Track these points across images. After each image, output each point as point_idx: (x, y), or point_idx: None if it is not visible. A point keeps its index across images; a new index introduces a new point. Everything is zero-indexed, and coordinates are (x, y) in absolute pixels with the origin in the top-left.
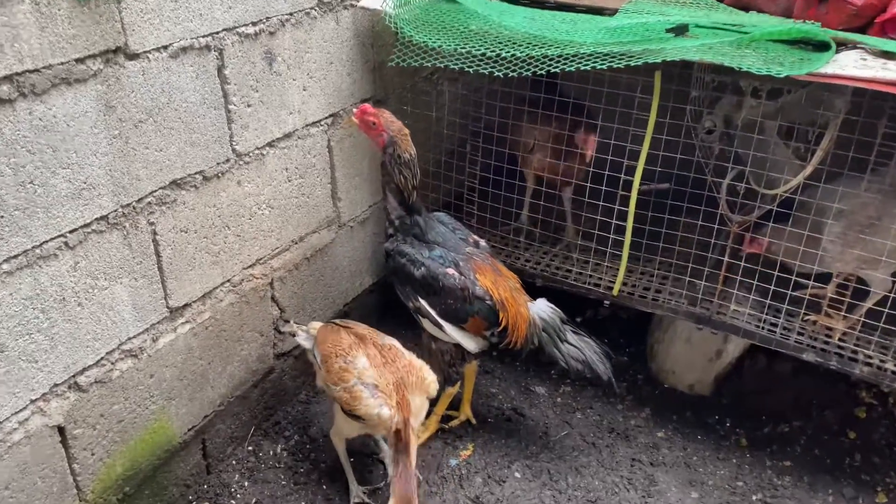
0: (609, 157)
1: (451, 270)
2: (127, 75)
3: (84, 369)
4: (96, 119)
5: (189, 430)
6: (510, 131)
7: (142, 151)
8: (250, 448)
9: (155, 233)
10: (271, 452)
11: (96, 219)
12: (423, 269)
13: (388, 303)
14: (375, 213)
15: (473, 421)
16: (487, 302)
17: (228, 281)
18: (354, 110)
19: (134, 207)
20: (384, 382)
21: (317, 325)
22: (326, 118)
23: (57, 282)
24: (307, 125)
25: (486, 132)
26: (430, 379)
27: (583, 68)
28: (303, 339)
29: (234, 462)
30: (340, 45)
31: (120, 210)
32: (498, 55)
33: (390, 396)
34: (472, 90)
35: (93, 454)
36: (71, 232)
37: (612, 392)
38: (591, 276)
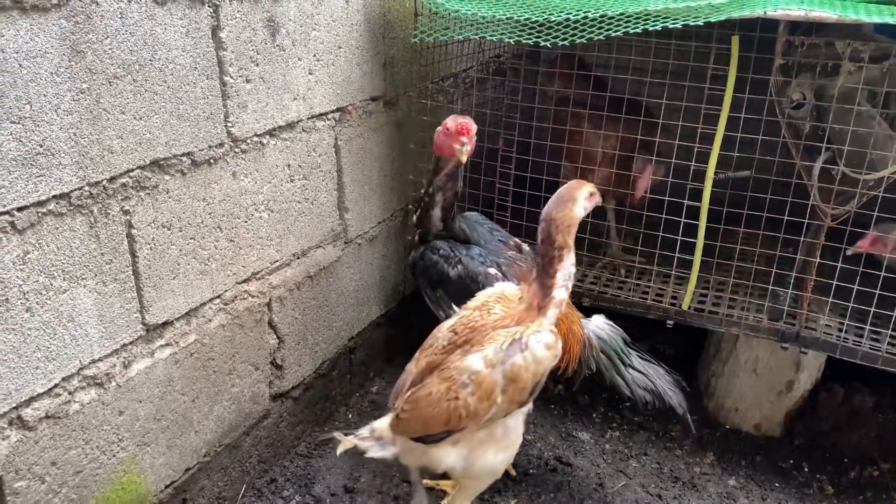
0: (675, 142)
1: (493, 270)
2: (100, 15)
3: (31, 399)
4: (59, 64)
5: (167, 486)
6: (565, 140)
7: (116, 116)
8: None
9: (130, 224)
10: None
11: (55, 196)
12: (459, 267)
13: (397, 339)
14: (385, 232)
15: (513, 473)
16: None
17: (219, 297)
18: (465, 142)
19: (105, 188)
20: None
21: (380, 423)
22: (334, 112)
23: None
24: (313, 116)
25: (522, 139)
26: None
27: (651, 28)
28: (378, 451)
29: None
30: (350, 29)
31: (86, 189)
32: (546, 20)
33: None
34: (504, 92)
35: None
36: (20, 210)
37: (685, 431)
38: (647, 289)
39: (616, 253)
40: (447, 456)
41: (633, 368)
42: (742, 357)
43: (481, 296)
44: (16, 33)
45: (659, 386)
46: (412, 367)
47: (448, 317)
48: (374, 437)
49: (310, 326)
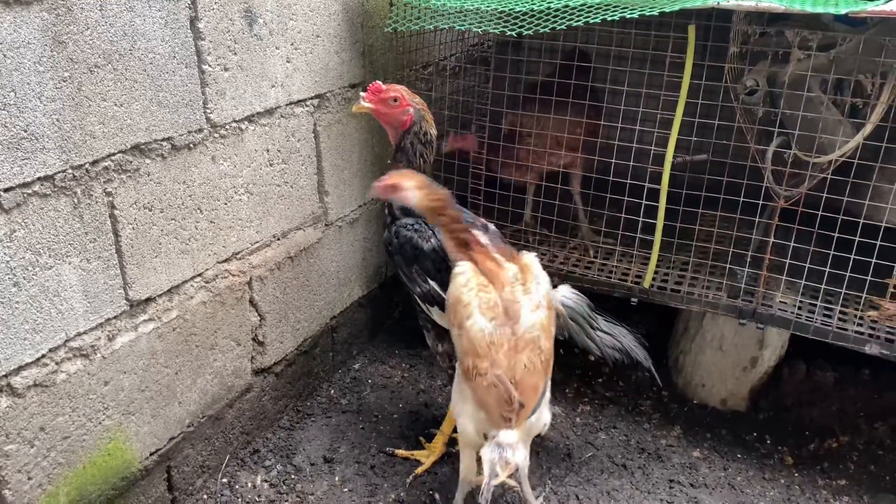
0: (637, 128)
1: None
2: (81, 7)
3: (20, 368)
4: (41, 54)
5: (152, 454)
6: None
7: (98, 103)
8: (224, 480)
9: (113, 206)
10: (249, 485)
11: (39, 178)
12: (433, 240)
13: (380, 319)
14: (366, 215)
15: None
16: None
17: (200, 275)
18: (363, 94)
19: (87, 171)
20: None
21: (504, 437)
22: (312, 98)
23: None
24: (291, 103)
25: (493, 124)
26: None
27: (609, 19)
28: (521, 455)
29: (205, 496)
30: (328, 18)
31: (70, 172)
32: (511, 10)
33: None
34: (478, 80)
35: (30, 478)
36: (6, 191)
37: (641, 401)
38: (613, 269)
39: (587, 234)
40: (547, 413)
41: (601, 331)
42: (708, 335)
43: (471, 283)
44: (0, 24)
45: (625, 344)
46: (500, 372)
47: (424, 294)
48: (515, 448)
49: (291, 305)
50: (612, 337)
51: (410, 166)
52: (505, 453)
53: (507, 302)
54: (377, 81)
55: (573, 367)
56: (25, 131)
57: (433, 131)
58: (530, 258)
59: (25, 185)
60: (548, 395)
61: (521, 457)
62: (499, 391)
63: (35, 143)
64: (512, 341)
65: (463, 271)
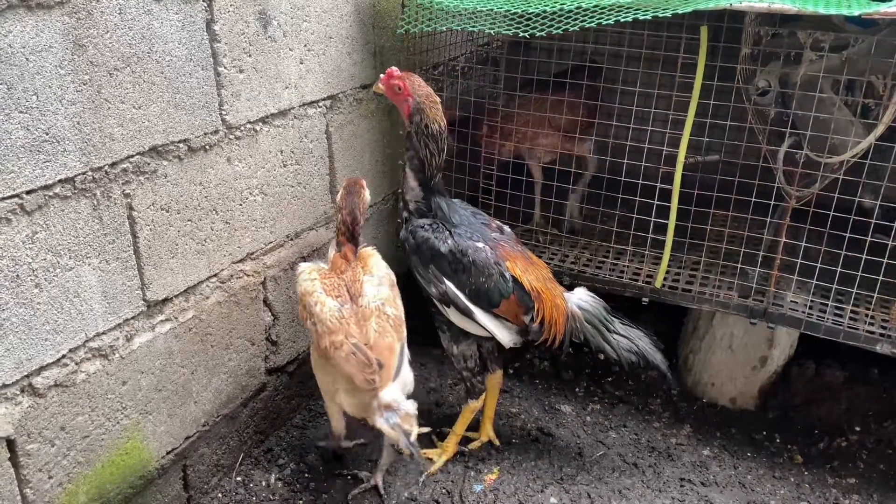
0: (649, 129)
1: (480, 244)
2: (101, 10)
3: (41, 368)
4: (63, 57)
5: (168, 453)
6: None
7: (117, 106)
8: (239, 479)
9: (131, 207)
10: (263, 483)
11: (60, 180)
12: (450, 241)
13: None
14: (376, 215)
15: (496, 442)
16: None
17: (216, 276)
18: (382, 75)
19: (107, 173)
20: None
21: (391, 395)
22: (325, 99)
23: (9, 254)
24: (304, 104)
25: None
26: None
27: (622, 20)
28: (412, 406)
29: (220, 495)
30: (340, 20)
31: (90, 174)
32: (524, 12)
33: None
34: (487, 80)
35: (50, 477)
36: (28, 193)
37: (665, 382)
38: (626, 267)
39: (575, 220)
40: (410, 372)
41: (618, 334)
42: (718, 334)
43: (312, 275)
44: (22, 29)
45: (641, 347)
46: (355, 340)
47: (441, 294)
48: (401, 400)
49: None
50: (629, 340)
51: (417, 155)
52: (400, 409)
53: (349, 283)
54: (394, 67)
55: (583, 366)
56: (47, 134)
57: (436, 126)
58: (369, 249)
59: (47, 187)
60: (407, 354)
61: (411, 405)
62: (357, 357)
63: (56, 145)
64: (359, 313)
65: (303, 270)
